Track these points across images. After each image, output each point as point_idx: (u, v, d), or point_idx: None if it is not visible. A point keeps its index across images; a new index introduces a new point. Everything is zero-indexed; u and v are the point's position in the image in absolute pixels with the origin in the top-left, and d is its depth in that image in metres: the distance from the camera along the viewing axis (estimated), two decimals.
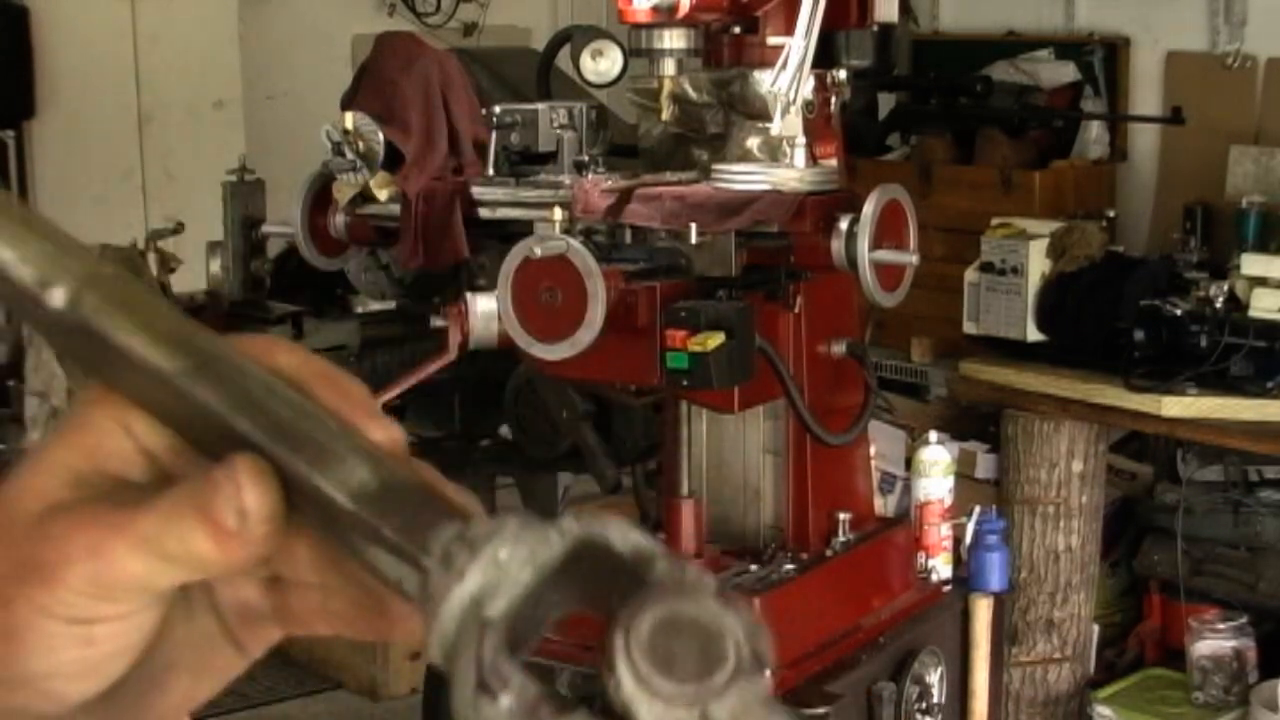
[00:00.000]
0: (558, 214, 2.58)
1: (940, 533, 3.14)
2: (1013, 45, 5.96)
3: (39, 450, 0.72)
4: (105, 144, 5.85)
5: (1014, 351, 4.73)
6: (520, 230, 2.76)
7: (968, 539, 3.17)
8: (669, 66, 2.77)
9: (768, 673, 0.57)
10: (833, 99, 2.87)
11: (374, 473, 0.68)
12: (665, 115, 2.83)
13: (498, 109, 3.01)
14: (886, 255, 2.66)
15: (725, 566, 2.78)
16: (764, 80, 2.73)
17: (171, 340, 0.72)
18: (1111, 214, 5.18)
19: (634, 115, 3.01)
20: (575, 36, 3.04)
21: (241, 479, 0.67)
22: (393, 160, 3.07)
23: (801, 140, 2.68)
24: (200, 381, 0.71)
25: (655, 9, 2.69)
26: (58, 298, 0.71)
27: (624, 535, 0.60)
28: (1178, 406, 4.33)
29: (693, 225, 2.58)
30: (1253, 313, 4.30)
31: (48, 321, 0.72)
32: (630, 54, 2.90)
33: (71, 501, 0.69)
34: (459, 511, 0.66)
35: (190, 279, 3.74)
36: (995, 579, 3.14)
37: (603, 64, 2.98)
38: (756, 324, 2.56)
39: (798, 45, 2.64)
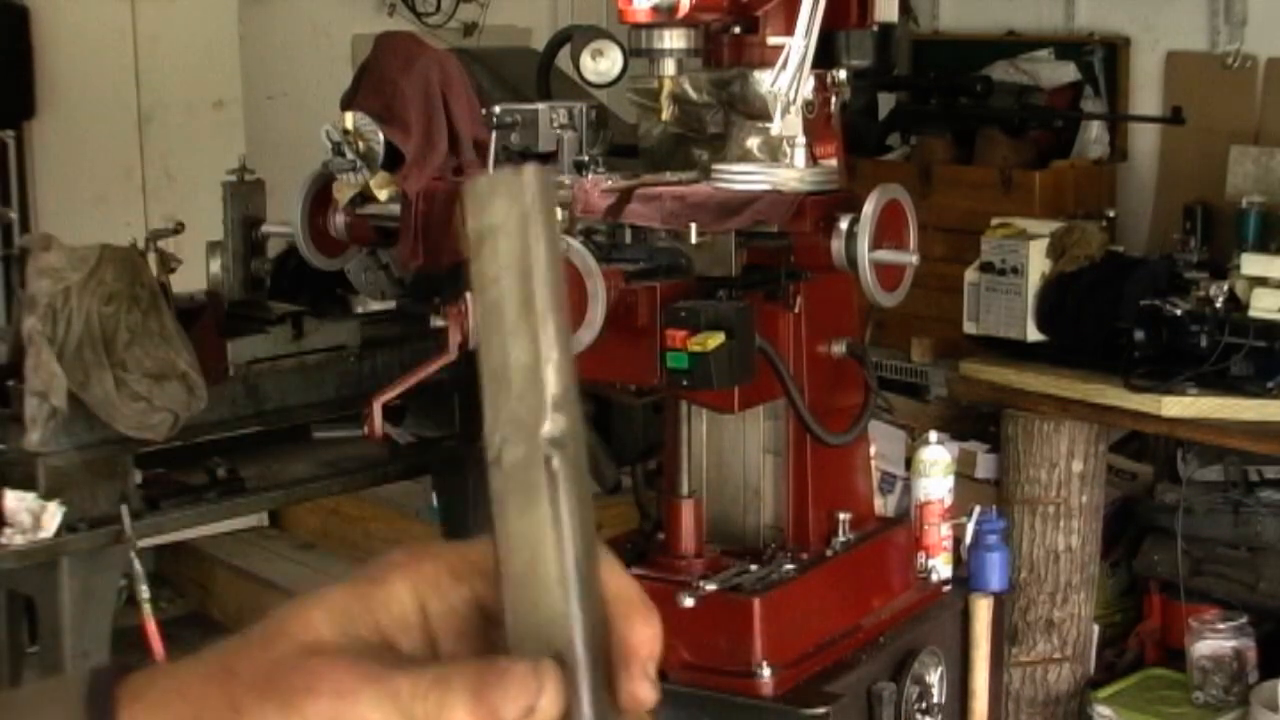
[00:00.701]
0: (558, 214, 2.58)
1: (940, 533, 3.14)
2: (1013, 45, 5.96)
3: (328, 587, 0.75)
4: (105, 144, 5.85)
5: (1014, 351, 4.73)
6: None
7: (968, 539, 3.17)
8: (669, 66, 2.77)
9: None
10: (833, 99, 2.87)
11: None
12: (665, 115, 2.83)
13: (498, 109, 3.01)
14: (886, 255, 2.66)
15: (725, 566, 2.78)
16: (764, 80, 2.73)
17: (588, 538, 0.73)
18: (1111, 214, 5.18)
19: (634, 115, 3.01)
20: (575, 36, 3.04)
21: (548, 683, 0.69)
22: (393, 160, 3.07)
23: (801, 140, 2.68)
24: (584, 593, 0.72)
25: (655, 9, 2.69)
26: (555, 425, 0.72)
27: None
28: (1178, 406, 4.33)
29: (693, 225, 2.58)
30: (1253, 313, 4.30)
31: (524, 438, 0.72)
32: (630, 54, 2.90)
33: (333, 645, 0.72)
34: None
35: (190, 279, 3.74)
36: (995, 579, 3.14)
37: (603, 64, 2.98)
38: (756, 324, 2.56)
39: (798, 45, 2.63)
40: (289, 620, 0.73)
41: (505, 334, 0.72)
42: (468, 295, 2.69)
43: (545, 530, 0.72)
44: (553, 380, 0.72)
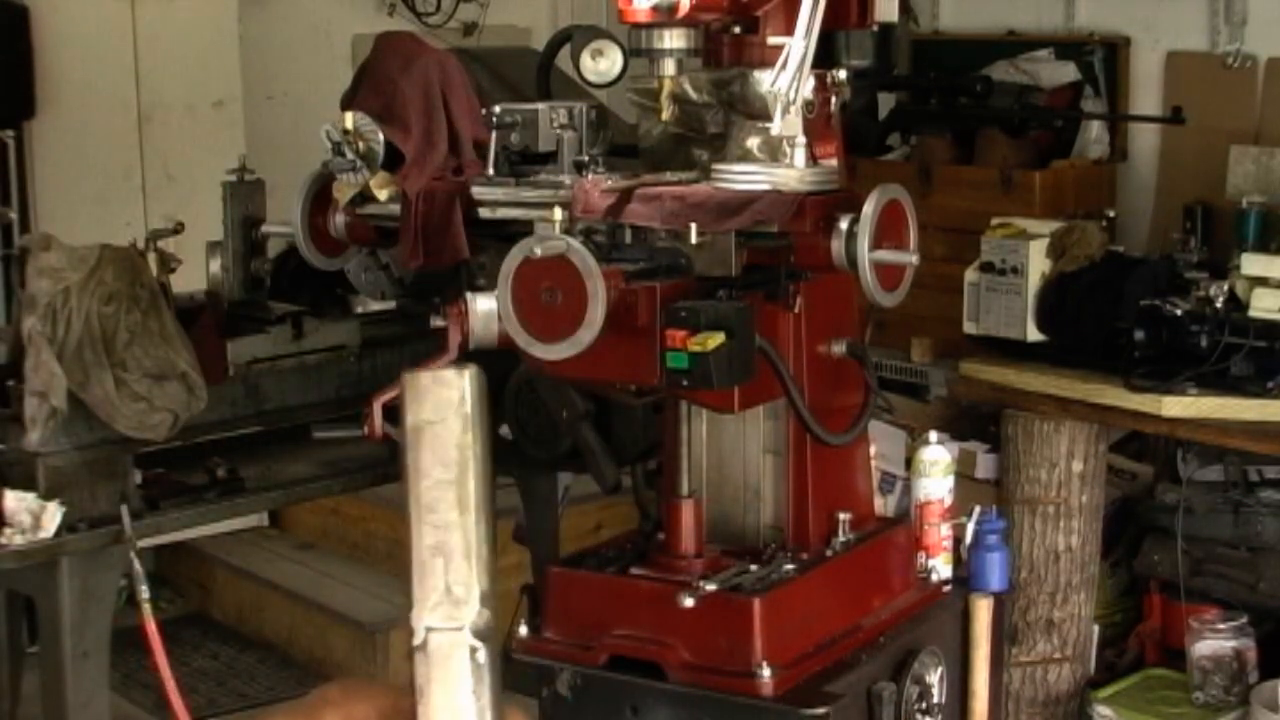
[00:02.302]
0: (558, 214, 2.58)
1: (940, 533, 3.14)
2: (1013, 45, 5.96)
3: (271, 713, 0.81)
4: (105, 144, 5.85)
5: (1014, 351, 4.73)
6: (520, 230, 2.75)
7: (968, 539, 3.17)
8: (669, 66, 2.77)
9: None
10: (833, 99, 2.87)
11: None
12: (665, 115, 2.83)
13: (498, 109, 3.01)
14: (886, 255, 2.66)
15: (725, 566, 2.78)
16: (764, 80, 2.73)
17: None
18: (1111, 214, 5.18)
19: (634, 115, 3.01)
20: (575, 36, 3.04)
21: None
22: (393, 160, 3.07)
23: (801, 140, 2.68)
24: None
25: (655, 9, 2.69)
26: (481, 618, 0.80)
27: None
28: (1178, 406, 4.33)
29: (693, 225, 2.57)
30: (1253, 313, 4.30)
31: (453, 630, 0.79)
32: (630, 54, 2.89)
33: None
34: None
35: (190, 279, 3.74)
36: (995, 579, 3.14)
37: (603, 64, 2.98)
38: (756, 324, 2.56)
39: (798, 45, 2.63)
40: None
41: (439, 527, 0.78)
42: (466, 295, 2.69)
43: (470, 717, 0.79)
44: (482, 576, 0.78)
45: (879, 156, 5.97)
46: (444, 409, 0.78)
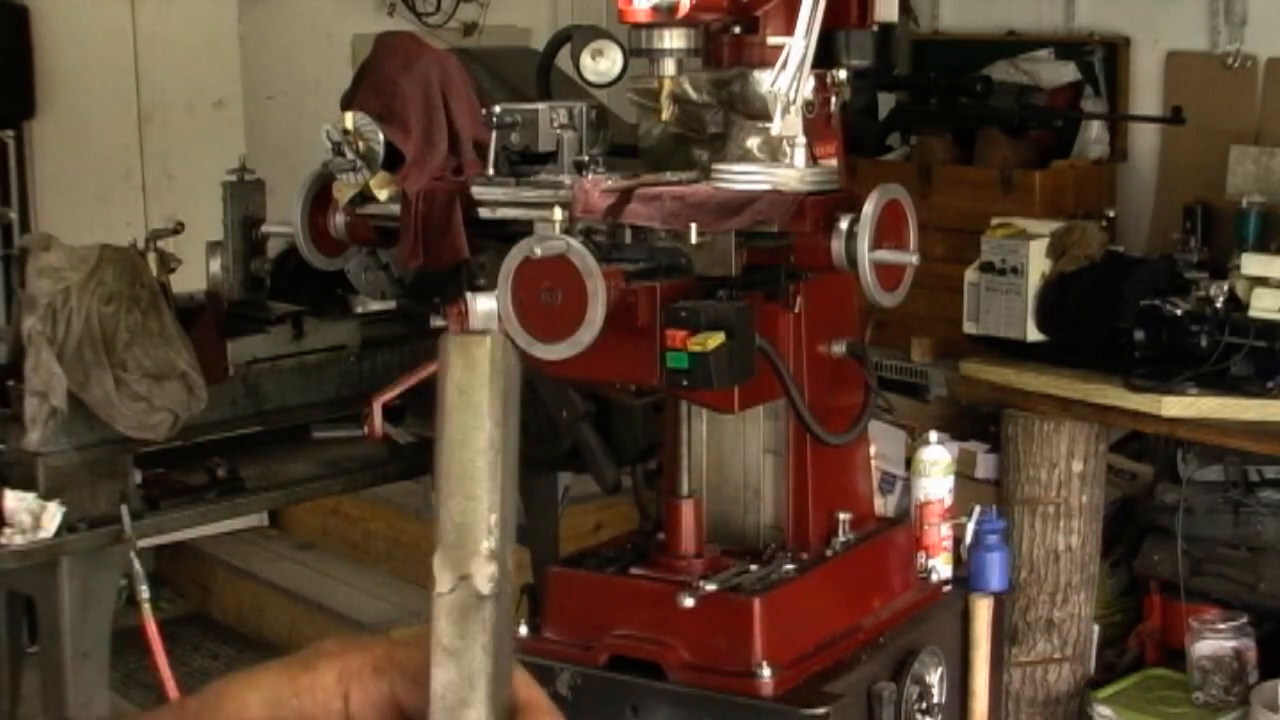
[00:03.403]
0: (558, 214, 2.58)
1: (940, 533, 3.14)
2: (1013, 45, 5.96)
3: (263, 668, 0.82)
4: (105, 144, 5.85)
5: (1014, 351, 4.73)
6: (520, 230, 2.76)
7: (968, 539, 3.17)
8: (669, 66, 2.77)
9: None
10: (833, 99, 2.87)
11: None
12: (665, 115, 2.83)
13: (498, 109, 3.01)
14: (886, 255, 2.66)
15: (725, 566, 2.78)
16: (764, 80, 2.73)
17: (509, 660, 0.84)
18: (1111, 214, 5.18)
19: (634, 115, 3.01)
20: (575, 36, 3.04)
21: None
22: (393, 160, 3.07)
23: (801, 140, 2.68)
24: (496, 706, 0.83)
25: (655, 9, 2.69)
26: (506, 575, 0.81)
27: None
28: (1178, 406, 4.33)
29: (693, 225, 2.58)
30: (1253, 313, 4.30)
31: (483, 583, 0.80)
32: (630, 54, 2.89)
33: None
34: None
35: (190, 279, 3.74)
36: (995, 579, 3.14)
37: (603, 64, 2.98)
38: (756, 324, 2.56)
39: (798, 45, 2.63)
40: (224, 697, 0.79)
41: (478, 491, 0.78)
42: (466, 295, 2.69)
43: (479, 656, 0.81)
44: (509, 537, 0.80)
45: (879, 156, 5.97)
46: (488, 374, 0.80)
